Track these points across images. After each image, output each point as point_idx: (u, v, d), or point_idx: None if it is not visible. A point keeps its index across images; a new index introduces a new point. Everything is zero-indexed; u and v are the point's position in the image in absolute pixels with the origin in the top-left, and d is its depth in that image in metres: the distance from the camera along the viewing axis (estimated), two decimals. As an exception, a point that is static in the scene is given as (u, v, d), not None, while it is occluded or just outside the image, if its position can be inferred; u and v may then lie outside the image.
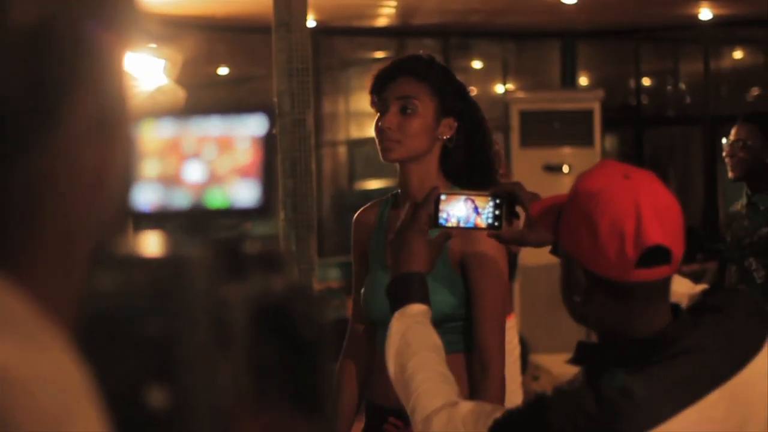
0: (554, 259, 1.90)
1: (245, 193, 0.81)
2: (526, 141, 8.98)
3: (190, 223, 0.81)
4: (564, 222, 1.80)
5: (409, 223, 2.19)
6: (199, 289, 0.73)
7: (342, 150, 10.60)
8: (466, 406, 1.94)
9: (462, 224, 2.25)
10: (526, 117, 9.03)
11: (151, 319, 0.71)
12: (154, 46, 7.98)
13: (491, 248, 2.59)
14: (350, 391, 2.89)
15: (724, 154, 4.62)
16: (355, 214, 2.89)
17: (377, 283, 2.71)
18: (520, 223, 2.30)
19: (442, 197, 2.24)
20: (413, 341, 2.08)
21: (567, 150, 9.05)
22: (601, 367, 1.74)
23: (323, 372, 0.83)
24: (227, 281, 0.77)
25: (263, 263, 0.83)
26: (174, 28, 8.70)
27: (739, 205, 4.59)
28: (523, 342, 5.89)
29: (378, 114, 2.69)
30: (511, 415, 1.80)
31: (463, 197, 2.25)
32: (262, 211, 0.82)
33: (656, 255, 1.72)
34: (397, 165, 2.72)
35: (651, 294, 1.75)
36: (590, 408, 1.69)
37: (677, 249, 1.74)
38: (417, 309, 2.13)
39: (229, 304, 0.76)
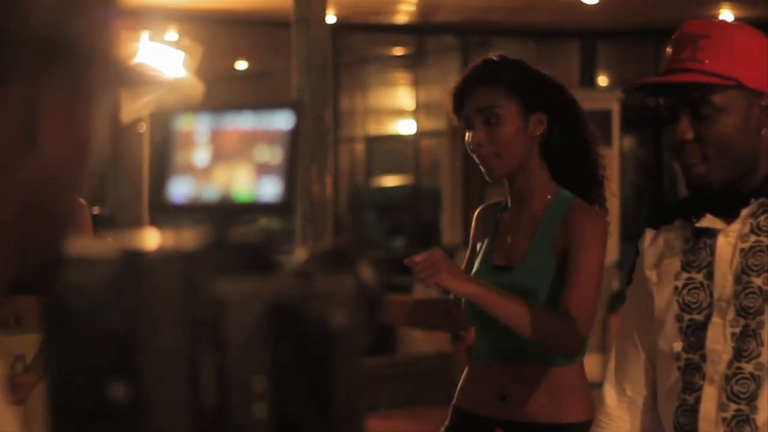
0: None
1: (270, 189, 0.80)
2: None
3: (216, 217, 0.80)
4: None
5: None
6: (195, 284, 0.71)
7: (359, 146, 10.60)
8: None
9: None
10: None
11: (113, 314, 0.71)
12: (173, 38, 8.00)
13: (591, 229, 2.52)
14: None
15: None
16: (478, 209, 2.79)
17: None
18: None
19: None
20: None
21: (585, 149, 9.01)
22: None
23: (342, 371, 0.81)
24: (245, 277, 0.75)
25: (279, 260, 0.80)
26: (193, 21, 8.72)
27: None
28: None
29: (467, 132, 2.60)
30: None
31: None
32: (286, 207, 0.80)
33: None
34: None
35: None
36: None
37: None
38: None
39: (226, 302, 0.74)
